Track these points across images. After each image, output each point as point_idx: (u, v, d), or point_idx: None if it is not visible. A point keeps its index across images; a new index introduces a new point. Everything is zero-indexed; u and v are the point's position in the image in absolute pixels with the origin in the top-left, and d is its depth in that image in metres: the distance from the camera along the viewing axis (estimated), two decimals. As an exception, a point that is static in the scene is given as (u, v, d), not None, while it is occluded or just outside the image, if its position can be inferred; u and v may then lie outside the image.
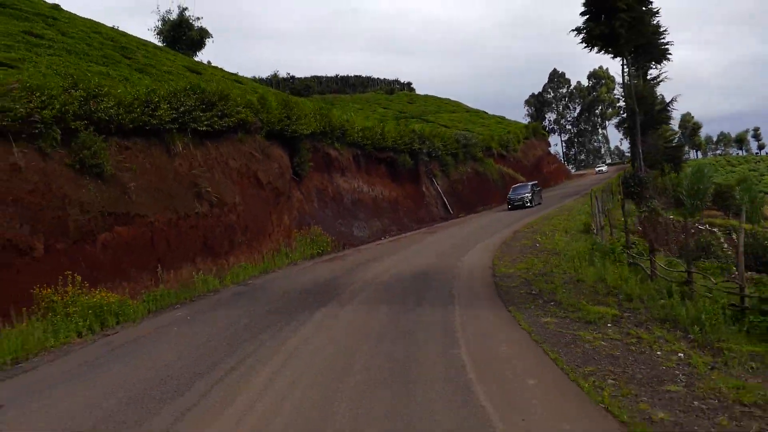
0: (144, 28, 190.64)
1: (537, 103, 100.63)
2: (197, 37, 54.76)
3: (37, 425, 6.44)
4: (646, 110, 34.89)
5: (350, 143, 29.14)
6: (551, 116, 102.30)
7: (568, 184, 58.85)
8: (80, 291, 11.20)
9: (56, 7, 36.56)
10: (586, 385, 6.53)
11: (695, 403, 6.02)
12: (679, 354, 7.59)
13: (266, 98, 22.18)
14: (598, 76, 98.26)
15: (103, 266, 13.11)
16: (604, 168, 73.22)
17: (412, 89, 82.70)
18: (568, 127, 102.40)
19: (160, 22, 54.02)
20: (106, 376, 8.05)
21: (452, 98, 78.00)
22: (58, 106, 13.00)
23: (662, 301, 9.86)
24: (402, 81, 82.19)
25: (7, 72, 16.43)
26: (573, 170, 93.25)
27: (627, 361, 7.35)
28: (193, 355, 8.75)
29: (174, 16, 54.17)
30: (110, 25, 39.70)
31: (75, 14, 37.46)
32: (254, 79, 69.51)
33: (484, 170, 45.51)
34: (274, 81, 73.15)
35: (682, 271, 10.89)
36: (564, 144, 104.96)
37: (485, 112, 73.06)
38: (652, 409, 5.87)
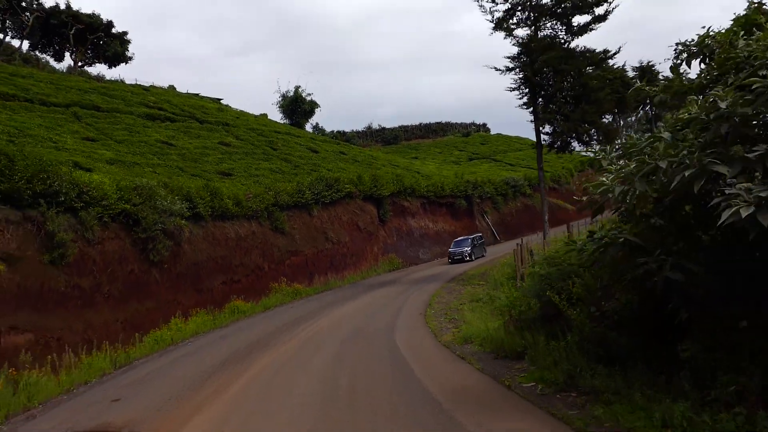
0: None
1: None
2: (309, 108, 71.69)
3: (304, 308, 21.63)
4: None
5: (419, 195, 43.16)
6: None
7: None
8: (285, 285, 26.03)
9: (220, 107, 53.82)
10: (435, 296, 21.46)
11: (452, 293, 21.03)
12: (478, 290, 21.58)
13: (362, 176, 36.78)
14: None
15: (288, 275, 27.91)
16: None
17: (487, 129, 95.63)
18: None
19: (280, 98, 71.52)
20: (312, 304, 23.53)
21: (522, 135, 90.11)
22: (265, 202, 28.10)
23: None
24: (477, 123, 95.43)
25: (228, 180, 32.07)
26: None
27: (454, 291, 22.56)
28: (335, 298, 24.35)
29: (291, 93, 71.42)
30: (255, 113, 56.76)
31: (231, 107, 54.76)
32: (353, 135, 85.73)
33: (532, 203, 57.80)
34: (369, 132, 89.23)
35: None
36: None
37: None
38: (443, 294, 21.31)
